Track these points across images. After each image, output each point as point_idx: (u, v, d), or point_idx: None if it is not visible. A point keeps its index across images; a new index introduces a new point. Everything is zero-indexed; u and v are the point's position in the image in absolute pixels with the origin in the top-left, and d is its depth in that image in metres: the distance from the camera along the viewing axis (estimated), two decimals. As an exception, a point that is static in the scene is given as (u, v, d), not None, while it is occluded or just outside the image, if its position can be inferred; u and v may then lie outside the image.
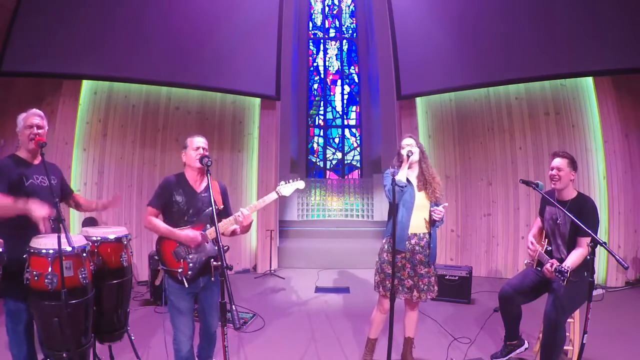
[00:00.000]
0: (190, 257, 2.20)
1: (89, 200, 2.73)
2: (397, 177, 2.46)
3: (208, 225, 2.26)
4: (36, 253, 1.99)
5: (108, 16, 4.78)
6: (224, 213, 2.37)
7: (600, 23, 4.50)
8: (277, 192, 2.36)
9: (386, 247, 2.62)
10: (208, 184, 2.25)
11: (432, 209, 2.56)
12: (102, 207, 2.67)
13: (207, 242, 2.23)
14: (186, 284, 2.17)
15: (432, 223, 2.61)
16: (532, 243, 2.69)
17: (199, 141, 2.30)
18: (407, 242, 2.56)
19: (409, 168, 2.59)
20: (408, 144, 2.63)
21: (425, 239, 2.59)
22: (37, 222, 1.95)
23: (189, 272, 2.18)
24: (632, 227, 4.65)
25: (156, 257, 2.32)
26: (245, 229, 2.31)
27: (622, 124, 4.69)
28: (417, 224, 2.58)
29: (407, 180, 2.57)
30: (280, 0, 5.57)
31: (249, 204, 2.30)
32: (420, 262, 2.57)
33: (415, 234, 2.58)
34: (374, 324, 2.71)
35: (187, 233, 2.16)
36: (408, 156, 2.54)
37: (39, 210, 1.98)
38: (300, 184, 2.43)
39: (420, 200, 2.59)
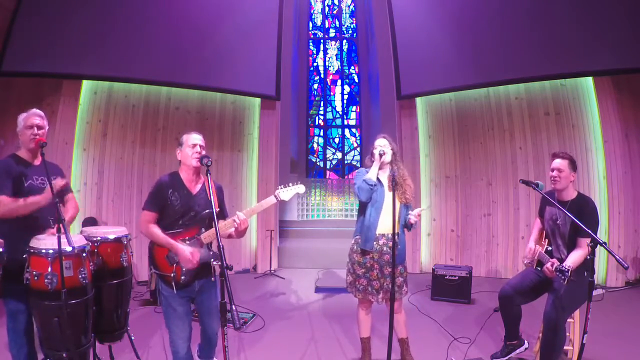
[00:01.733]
0: None
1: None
2: (366, 176, 2.50)
3: (203, 229, 2.21)
4: (36, 253, 1.99)
5: (108, 16, 4.78)
6: (220, 214, 2.29)
7: (600, 23, 4.50)
8: (275, 196, 2.29)
9: (355, 247, 2.63)
10: (204, 184, 2.22)
11: (410, 212, 2.56)
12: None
13: (202, 247, 2.19)
14: (175, 290, 2.12)
15: (406, 226, 2.62)
16: (529, 250, 2.67)
17: (196, 138, 2.23)
18: (374, 243, 2.56)
19: (380, 168, 2.59)
20: (380, 145, 2.63)
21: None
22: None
23: (182, 277, 2.13)
24: (632, 227, 4.65)
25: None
26: (241, 233, 2.25)
27: (622, 124, 4.68)
28: (385, 224, 2.55)
29: (378, 180, 2.58)
30: (280, 0, 5.57)
31: (249, 204, 2.29)
32: (388, 263, 2.53)
33: (383, 235, 2.57)
34: (361, 323, 2.73)
35: (185, 253, 2.09)
36: (380, 155, 2.55)
37: (38, 198, 2.05)
38: (300, 188, 2.35)
39: (390, 201, 2.53)
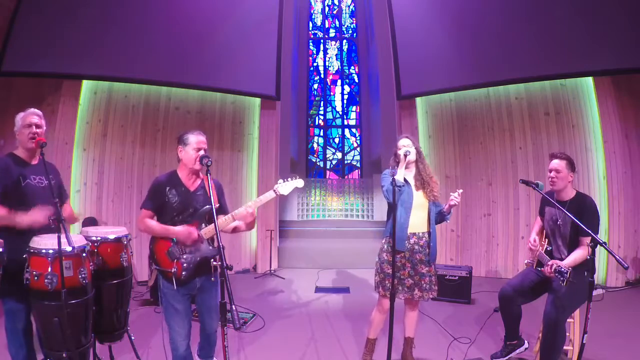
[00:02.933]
0: (185, 257, 2.16)
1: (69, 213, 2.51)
2: (396, 177, 2.46)
3: (203, 225, 2.22)
4: (36, 253, 1.99)
5: (108, 16, 4.78)
6: (220, 211, 2.31)
7: (600, 23, 4.50)
8: (274, 190, 2.31)
9: (385, 247, 2.63)
10: (203, 182, 2.23)
11: (451, 196, 2.56)
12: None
13: (202, 242, 2.20)
14: (175, 286, 2.13)
15: (442, 219, 2.64)
16: (534, 240, 2.67)
17: (202, 141, 2.23)
18: (406, 242, 2.56)
19: (406, 168, 2.60)
20: (405, 145, 2.65)
21: (424, 238, 2.59)
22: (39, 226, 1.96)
23: (183, 273, 2.14)
24: (632, 227, 4.65)
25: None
26: (250, 225, 2.29)
27: (622, 124, 4.68)
28: (415, 223, 2.58)
29: (405, 180, 2.58)
30: (280, 0, 5.57)
31: (249, 203, 2.28)
32: (421, 262, 2.57)
33: (414, 233, 2.58)
34: (374, 324, 2.71)
35: (183, 231, 2.12)
36: (405, 156, 2.55)
37: (37, 216, 2.01)
38: (299, 182, 2.38)
39: (419, 200, 2.59)
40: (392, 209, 2.48)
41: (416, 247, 2.57)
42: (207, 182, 2.10)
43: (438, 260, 5.34)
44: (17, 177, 2.14)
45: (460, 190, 2.61)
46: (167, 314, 2.21)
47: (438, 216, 2.66)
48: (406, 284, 2.59)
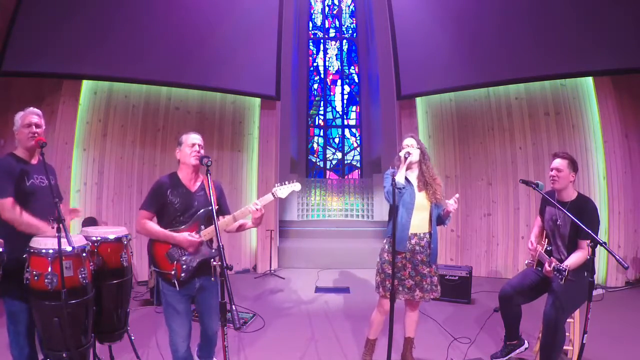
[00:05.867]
0: (184, 259, 2.16)
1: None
2: (396, 178, 2.46)
3: (203, 226, 2.22)
4: (36, 253, 1.99)
5: (108, 16, 4.78)
6: (220, 212, 2.32)
7: (600, 23, 4.50)
8: (273, 193, 2.34)
9: (386, 247, 2.62)
10: (203, 183, 2.24)
11: (448, 203, 2.53)
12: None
13: (202, 244, 2.20)
14: (177, 287, 2.14)
15: (441, 222, 2.63)
16: (531, 243, 2.69)
17: (195, 138, 2.26)
18: (407, 242, 2.56)
19: (409, 169, 2.59)
20: (408, 144, 2.63)
21: (425, 238, 2.59)
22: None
23: (182, 275, 2.14)
24: (632, 227, 4.65)
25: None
26: (258, 220, 2.30)
27: (622, 124, 4.68)
28: (417, 224, 2.57)
29: (407, 180, 2.57)
30: (280, 0, 5.57)
31: (248, 204, 2.29)
32: (422, 262, 2.57)
33: (415, 234, 2.57)
34: (374, 325, 2.71)
35: (185, 236, 2.13)
36: (405, 157, 2.54)
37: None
38: (297, 186, 2.39)
39: (421, 201, 2.58)
40: (393, 210, 2.47)
41: (417, 247, 2.57)
42: (207, 183, 2.10)
43: (438, 260, 5.38)
44: (23, 177, 2.14)
45: (457, 195, 2.59)
46: (167, 315, 2.21)
47: (437, 219, 2.65)
48: (407, 285, 2.59)
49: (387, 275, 2.57)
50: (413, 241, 2.57)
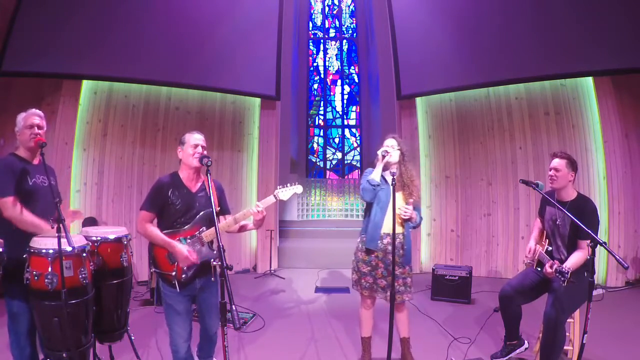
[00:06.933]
0: None
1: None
2: (370, 176, 2.53)
3: (204, 228, 2.22)
4: (36, 253, 1.99)
5: (108, 16, 4.77)
6: (220, 213, 2.33)
7: (600, 23, 4.49)
8: (275, 195, 2.33)
9: (360, 245, 2.66)
10: (204, 183, 2.23)
11: (400, 207, 2.50)
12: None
13: (203, 245, 2.20)
14: (178, 289, 2.13)
15: (405, 223, 2.61)
16: (529, 249, 2.68)
17: (198, 138, 2.24)
18: (379, 242, 2.57)
19: (388, 168, 2.61)
20: (387, 145, 2.66)
21: (398, 239, 2.55)
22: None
23: (183, 276, 2.14)
24: (632, 227, 4.65)
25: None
26: (259, 223, 2.28)
27: (622, 124, 4.68)
28: (390, 224, 2.52)
29: (384, 179, 2.59)
30: (280, 0, 5.57)
31: (249, 204, 2.30)
32: (395, 263, 2.52)
33: (388, 234, 2.55)
34: (363, 322, 2.73)
35: (183, 252, 2.10)
36: (383, 156, 2.58)
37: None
38: (298, 189, 2.38)
39: (396, 201, 2.53)
40: (368, 207, 2.55)
41: (389, 247, 2.54)
42: (207, 183, 2.09)
43: (438, 260, 5.40)
44: (25, 177, 2.15)
45: (410, 207, 2.53)
46: (167, 315, 2.21)
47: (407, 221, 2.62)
48: (380, 285, 2.60)
49: (362, 274, 2.63)
50: (385, 241, 2.57)
